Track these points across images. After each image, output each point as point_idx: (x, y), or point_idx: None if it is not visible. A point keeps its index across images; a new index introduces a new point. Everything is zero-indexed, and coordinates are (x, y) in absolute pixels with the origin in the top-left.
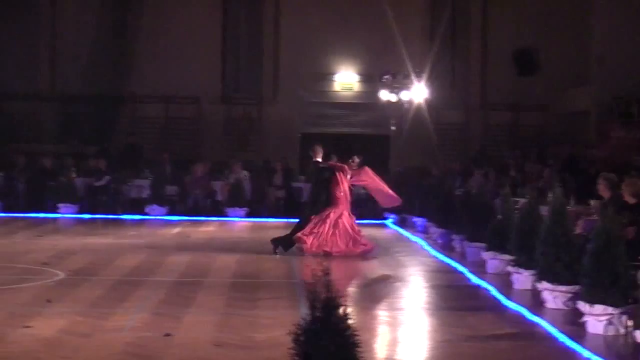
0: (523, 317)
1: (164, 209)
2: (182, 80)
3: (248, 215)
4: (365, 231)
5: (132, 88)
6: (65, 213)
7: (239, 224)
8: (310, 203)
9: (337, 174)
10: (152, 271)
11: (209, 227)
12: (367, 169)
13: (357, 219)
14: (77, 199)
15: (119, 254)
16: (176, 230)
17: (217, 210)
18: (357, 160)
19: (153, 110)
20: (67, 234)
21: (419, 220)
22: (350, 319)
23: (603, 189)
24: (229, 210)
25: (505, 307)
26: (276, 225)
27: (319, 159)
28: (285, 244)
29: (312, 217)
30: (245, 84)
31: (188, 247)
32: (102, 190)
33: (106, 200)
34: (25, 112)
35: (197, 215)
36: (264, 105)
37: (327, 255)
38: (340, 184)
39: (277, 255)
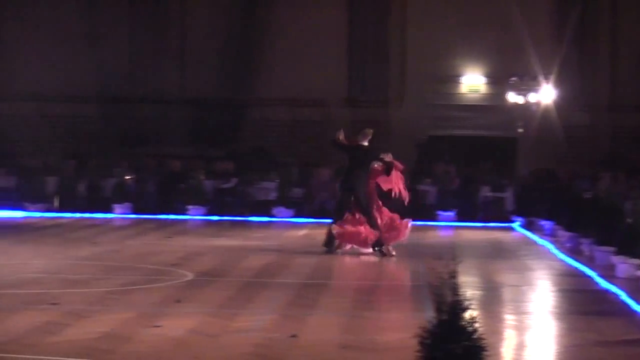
0: None
1: (290, 211)
2: (308, 83)
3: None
4: (492, 234)
5: (259, 91)
6: (194, 215)
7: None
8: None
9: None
10: (278, 273)
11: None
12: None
13: (483, 221)
14: (206, 201)
15: (246, 256)
16: (302, 232)
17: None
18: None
19: (279, 113)
20: (195, 236)
21: (546, 224)
22: (477, 322)
23: None
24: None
25: (636, 312)
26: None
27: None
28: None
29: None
30: (371, 87)
31: (314, 249)
32: (230, 192)
33: (233, 202)
34: (155, 116)
35: (322, 217)
36: (389, 108)
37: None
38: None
39: (394, 258)
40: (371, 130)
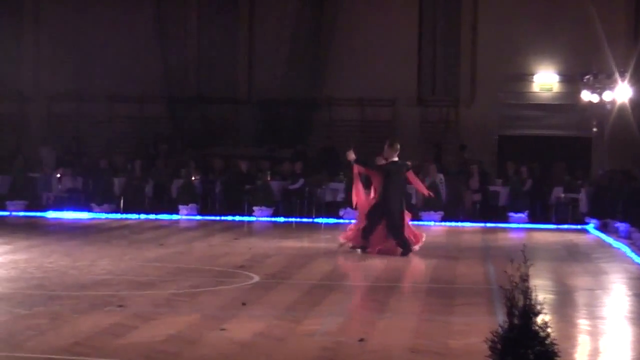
0: None
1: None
2: (377, 82)
3: (443, 219)
4: (565, 237)
5: (328, 91)
6: (261, 216)
7: (434, 228)
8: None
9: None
10: (346, 275)
11: None
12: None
13: (556, 223)
14: (272, 202)
15: (313, 258)
16: None
17: (412, 214)
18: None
19: (348, 112)
20: (262, 237)
21: (621, 226)
22: (549, 327)
23: None
24: (424, 214)
25: None
26: (472, 230)
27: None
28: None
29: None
30: (441, 85)
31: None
32: (297, 193)
33: (300, 204)
34: (223, 116)
35: None
36: (460, 107)
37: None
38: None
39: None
40: (398, 145)
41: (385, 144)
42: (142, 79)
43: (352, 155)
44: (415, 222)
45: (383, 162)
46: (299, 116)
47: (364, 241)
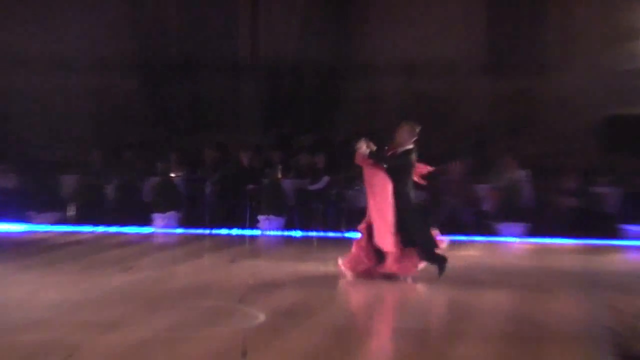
0: None
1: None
2: (431, 45)
3: (528, 234)
4: None
5: (363, 57)
6: (268, 229)
7: (515, 245)
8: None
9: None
10: (389, 313)
11: (471, 251)
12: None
13: None
14: (285, 209)
15: (342, 287)
16: None
17: (482, 225)
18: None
19: (391, 85)
20: (269, 259)
21: None
22: None
23: None
24: (500, 225)
25: None
26: (568, 248)
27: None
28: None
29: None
30: (520, 49)
31: (442, 279)
32: (319, 196)
33: (324, 211)
34: (217, 91)
35: (454, 232)
36: (547, 77)
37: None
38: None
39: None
40: (418, 126)
41: (403, 126)
42: (105, 40)
43: (365, 147)
44: (488, 238)
45: (393, 151)
46: (323, 90)
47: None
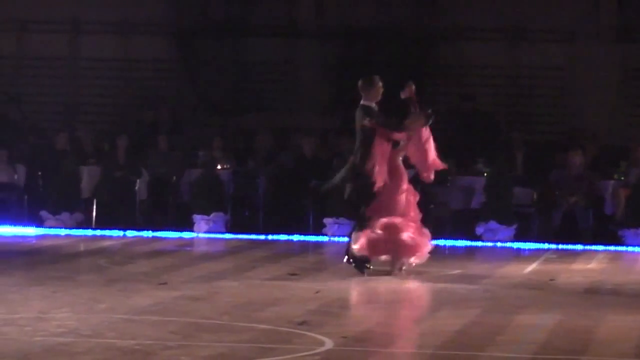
0: None
1: (509, 228)
2: (541, 5)
3: None
4: None
5: (455, 19)
6: (337, 234)
7: None
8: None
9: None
10: (492, 339)
11: (591, 264)
12: None
13: None
14: None
15: (430, 308)
16: (531, 266)
17: (604, 231)
18: None
19: (494, 55)
20: (338, 272)
21: None
22: None
23: None
24: (626, 232)
25: None
26: None
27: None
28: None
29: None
30: None
31: (551, 298)
32: None
33: None
34: (271, 62)
35: (568, 240)
36: None
37: None
38: None
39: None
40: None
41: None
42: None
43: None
44: (614, 247)
45: None
46: (405, 59)
47: None
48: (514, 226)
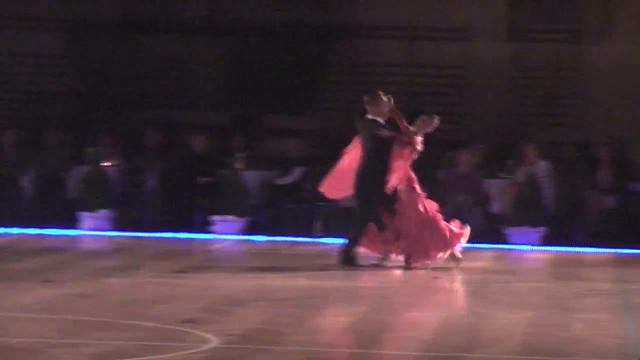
0: None
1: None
2: (440, 4)
3: (547, 241)
4: None
5: (352, 16)
6: (225, 232)
7: (531, 255)
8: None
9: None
10: (381, 334)
11: (479, 261)
12: None
13: None
14: (247, 208)
15: (318, 306)
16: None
17: (492, 229)
18: None
19: (390, 52)
20: (226, 270)
21: None
22: None
23: None
24: (514, 230)
25: None
26: (599, 259)
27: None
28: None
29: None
30: (550, 9)
31: (437, 296)
32: (291, 192)
33: (297, 211)
34: (164, 57)
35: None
36: (584, 44)
37: None
38: None
39: None
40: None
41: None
42: None
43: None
44: (500, 245)
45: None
46: (299, 57)
47: None
48: None
